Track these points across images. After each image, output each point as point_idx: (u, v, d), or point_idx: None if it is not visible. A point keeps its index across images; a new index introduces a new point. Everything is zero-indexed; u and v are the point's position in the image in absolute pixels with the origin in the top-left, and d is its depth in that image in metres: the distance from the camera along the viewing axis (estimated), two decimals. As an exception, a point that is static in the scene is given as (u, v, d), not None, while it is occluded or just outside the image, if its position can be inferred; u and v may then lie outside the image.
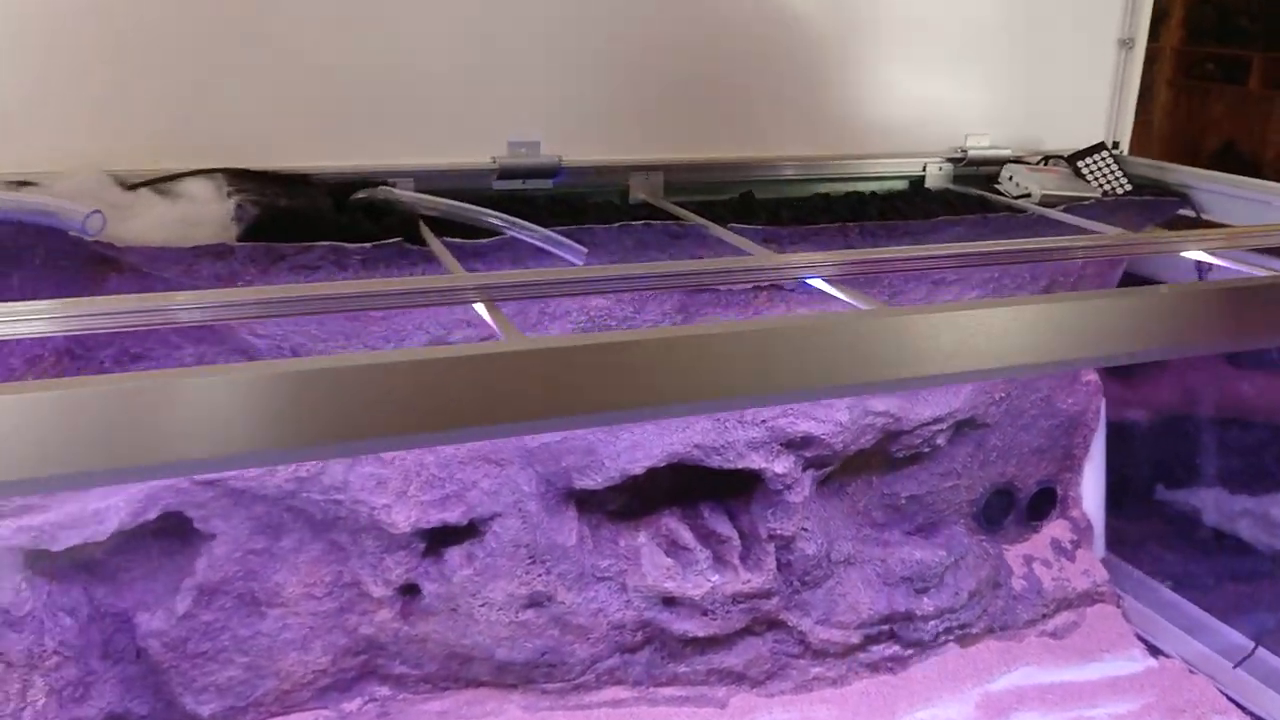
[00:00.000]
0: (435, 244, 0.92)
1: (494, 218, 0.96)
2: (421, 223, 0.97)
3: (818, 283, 0.85)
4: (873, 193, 1.30)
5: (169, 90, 1.00)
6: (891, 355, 0.67)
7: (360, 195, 0.98)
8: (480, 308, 0.75)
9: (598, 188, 1.19)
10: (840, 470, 1.33)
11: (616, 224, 1.00)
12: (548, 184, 1.15)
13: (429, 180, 1.10)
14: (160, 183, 0.99)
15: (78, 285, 0.97)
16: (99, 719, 1.08)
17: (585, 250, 0.95)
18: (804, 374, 0.63)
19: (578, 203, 1.16)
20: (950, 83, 1.33)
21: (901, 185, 1.35)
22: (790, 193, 1.28)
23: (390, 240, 0.91)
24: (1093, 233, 1.09)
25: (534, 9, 1.10)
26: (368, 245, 0.89)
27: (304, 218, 0.88)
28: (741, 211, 1.16)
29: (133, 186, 0.97)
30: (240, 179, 0.98)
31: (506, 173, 1.12)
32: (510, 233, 0.95)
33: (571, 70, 1.14)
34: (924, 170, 1.34)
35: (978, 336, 0.68)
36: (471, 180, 1.13)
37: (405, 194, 0.97)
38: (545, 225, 0.96)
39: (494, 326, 0.72)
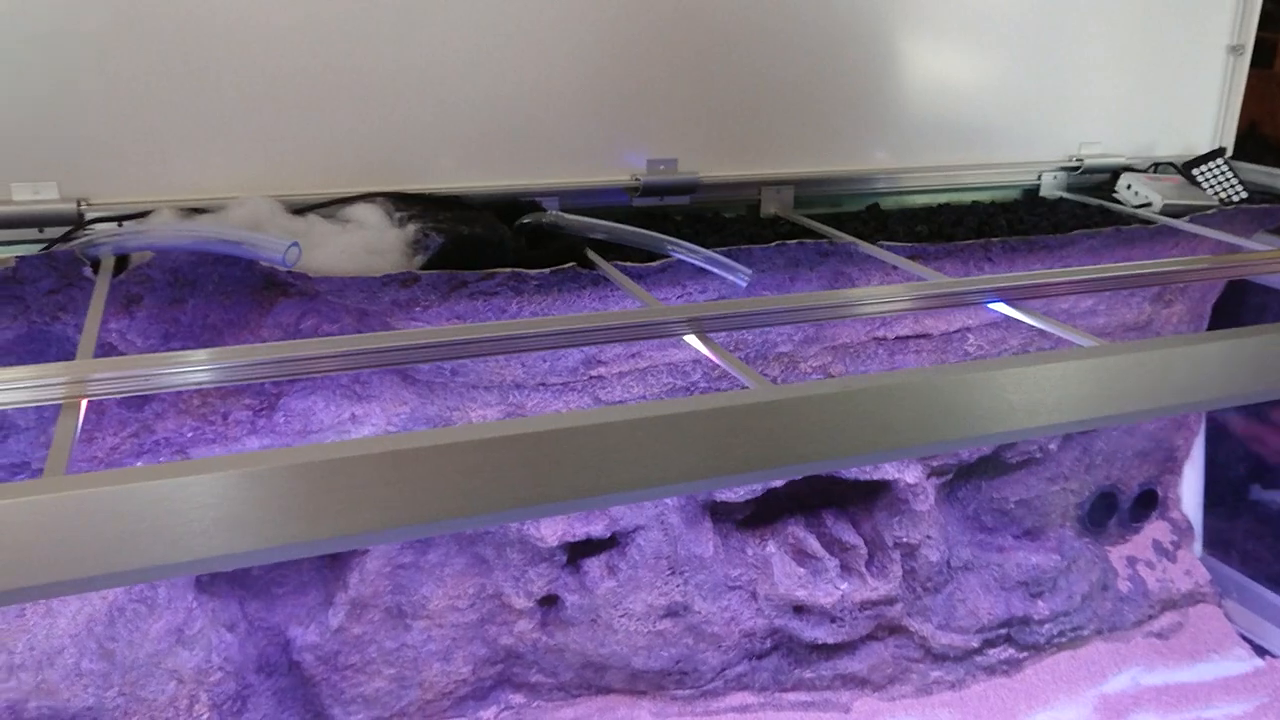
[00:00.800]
0: (607, 268, 0.93)
1: (658, 240, 0.97)
2: (587, 246, 0.98)
3: (1000, 307, 0.86)
4: (993, 202, 1.31)
5: (328, 116, 1.01)
6: (1110, 391, 0.68)
7: (526, 220, 0.99)
8: (692, 339, 0.76)
9: (728, 203, 1.21)
10: (952, 476, 1.35)
11: (773, 243, 1.01)
12: (684, 200, 1.17)
13: (571, 199, 1.12)
14: (326, 207, 1.00)
15: (249, 310, 0.99)
16: (256, 731, 1.11)
17: (749, 272, 0.96)
18: (1049, 410, 0.64)
19: (714, 219, 1.17)
20: (1063, 90, 1.34)
21: (1015, 194, 1.36)
22: (911, 203, 1.30)
23: (565, 265, 0.92)
24: (1232, 244, 1.10)
25: (665, 32, 1.11)
26: (546, 271, 0.91)
27: (486, 245, 0.90)
28: (873, 225, 1.17)
29: (300, 211, 0.99)
30: (404, 203, 0.99)
31: (648, 190, 1.13)
32: (676, 255, 0.96)
33: (702, 88, 1.15)
34: (1039, 179, 1.35)
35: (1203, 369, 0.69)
36: (611, 198, 1.14)
37: (571, 218, 0.98)
38: (686, 241, 0.98)
39: (714, 358, 0.74)
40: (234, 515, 0.49)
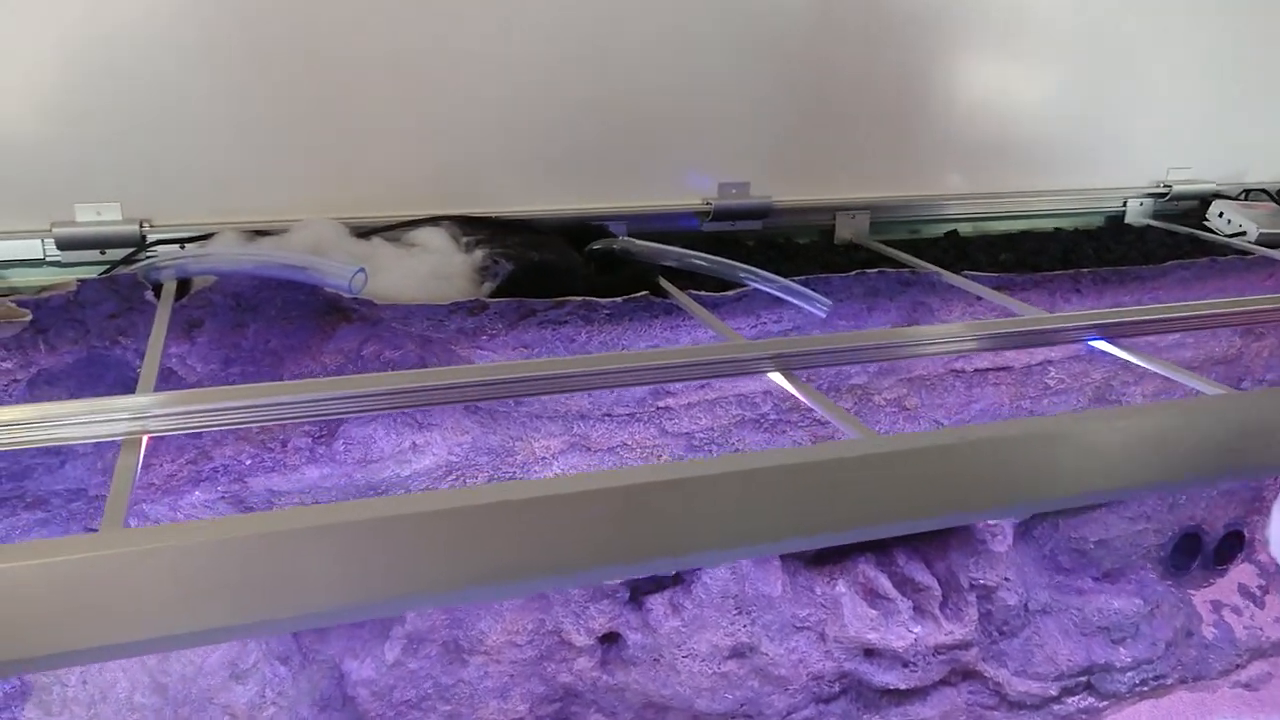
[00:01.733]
0: (682, 298, 0.89)
1: (734, 268, 0.93)
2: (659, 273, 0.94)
3: (1103, 345, 0.81)
4: (1076, 230, 1.26)
5: (393, 138, 0.99)
6: (1252, 443, 0.63)
7: (596, 246, 0.95)
8: (776, 377, 0.72)
9: (800, 228, 1.16)
10: (1030, 515, 1.29)
11: (852, 272, 0.96)
12: (756, 225, 1.12)
13: (639, 223, 1.08)
14: (391, 230, 0.97)
15: (310, 335, 0.96)
16: (308, 767, 1.07)
17: (828, 302, 0.92)
18: (1186, 462, 0.59)
19: (786, 245, 1.13)
20: (1150, 113, 1.28)
21: (1098, 221, 1.30)
22: (990, 229, 1.24)
23: (637, 294, 0.88)
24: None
25: (736, 53, 1.07)
26: (618, 300, 0.87)
27: (556, 272, 0.86)
28: (953, 253, 1.12)
29: (364, 235, 0.96)
30: (471, 227, 0.96)
31: (720, 215, 1.09)
32: (753, 284, 0.92)
33: (774, 110, 1.11)
34: (1124, 206, 1.29)
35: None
36: (680, 223, 1.10)
37: (642, 244, 0.94)
38: (758, 268, 0.93)
39: (802, 398, 0.69)
40: (307, 573, 0.45)
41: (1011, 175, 1.23)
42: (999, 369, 1.20)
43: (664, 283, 0.92)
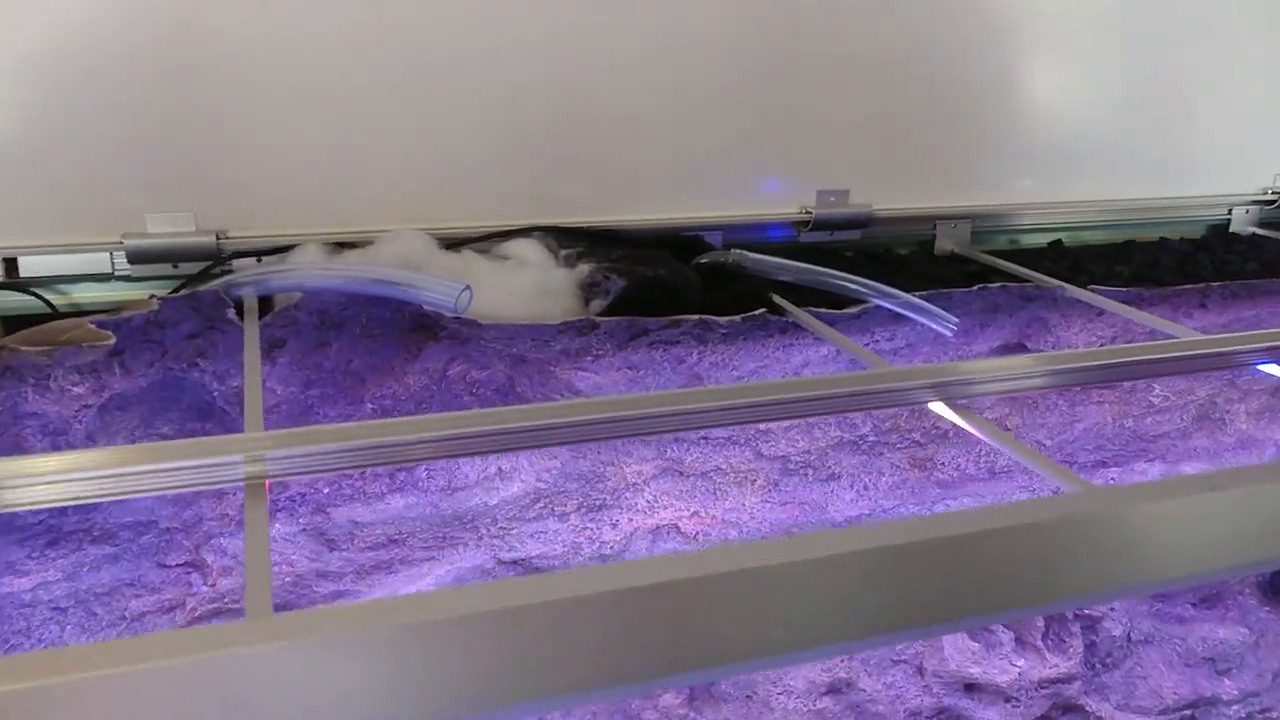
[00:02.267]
0: (804, 317, 0.82)
1: (854, 283, 0.86)
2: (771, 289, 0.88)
3: (1272, 368, 0.74)
4: (1182, 239, 1.19)
5: (478, 146, 0.93)
6: None
7: (703, 259, 0.89)
8: (939, 408, 0.66)
9: (898, 239, 1.10)
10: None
11: (975, 287, 0.90)
12: (855, 235, 1.06)
13: (733, 233, 1.02)
14: (481, 242, 0.91)
15: (394, 354, 0.90)
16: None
17: (956, 321, 0.85)
18: None
19: (886, 256, 1.06)
20: (1256, 118, 1.22)
21: (1200, 230, 1.24)
22: (1090, 239, 1.18)
23: (756, 311, 0.82)
24: None
25: (829, 56, 1.01)
26: (737, 319, 0.81)
27: (671, 289, 0.80)
28: (1064, 264, 1.05)
29: (453, 247, 0.90)
30: (566, 238, 0.90)
31: (820, 224, 1.02)
32: (875, 300, 0.86)
33: (870, 115, 1.04)
34: (1229, 214, 1.23)
35: None
36: (775, 233, 1.04)
37: (756, 257, 0.88)
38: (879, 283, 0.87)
39: (978, 434, 0.63)
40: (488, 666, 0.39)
41: (1115, 183, 1.17)
42: (1103, 386, 1.14)
43: (777, 299, 0.86)
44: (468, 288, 0.73)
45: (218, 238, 0.85)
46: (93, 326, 0.70)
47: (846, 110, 1.04)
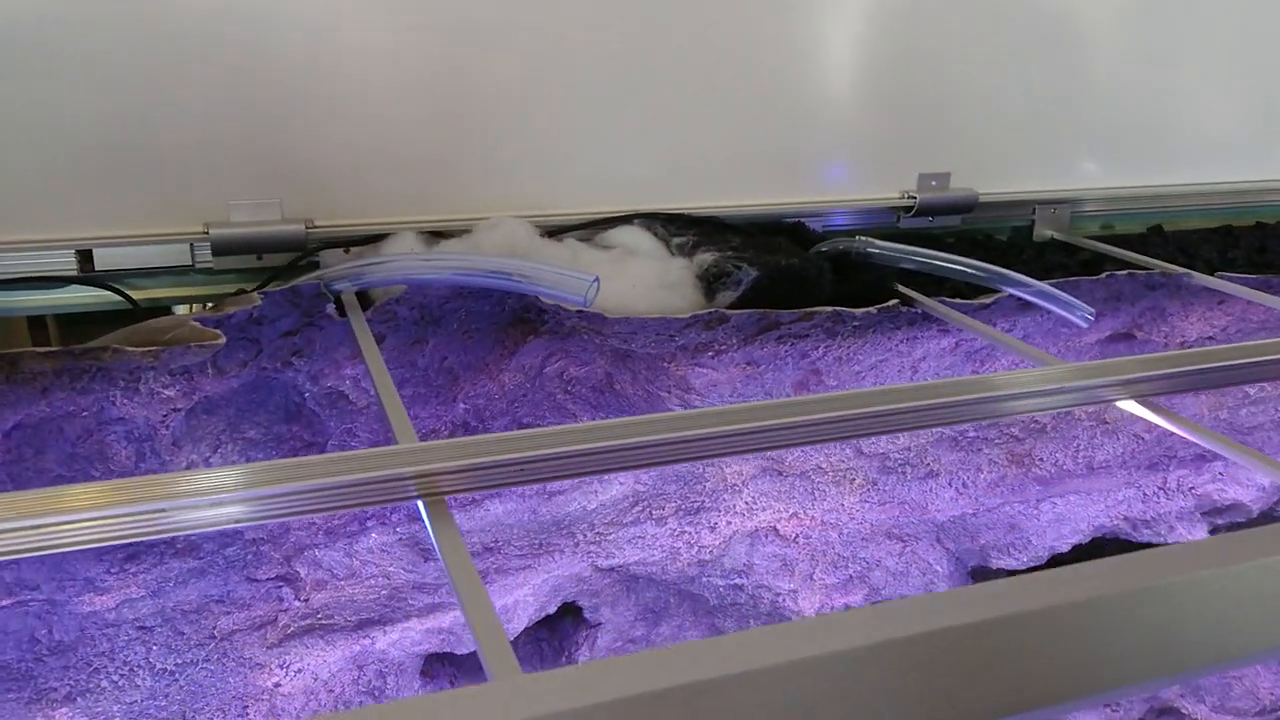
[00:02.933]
0: (939, 308, 0.78)
1: (986, 271, 0.81)
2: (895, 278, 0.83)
3: None
4: (1278, 222, 1.15)
5: (570, 130, 0.87)
6: None
7: (824, 248, 0.84)
8: (1131, 406, 0.61)
9: (996, 224, 1.05)
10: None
11: (1103, 274, 0.85)
12: (955, 221, 1.01)
13: (833, 219, 0.97)
14: (582, 230, 0.85)
15: (490, 350, 0.84)
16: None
17: (1092, 311, 0.80)
18: None
19: (987, 242, 1.02)
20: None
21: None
22: (1185, 224, 1.13)
23: (890, 303, 0.77)
24: None
25: (927, 36, 0.96)
26: (873, 310, 0.75)
27: (804, 279, 0.74)
28: (1172, 249, 1.01)
29: (554, 235, 0.84)
30: (673, 226, 0.84)
31: (924, 209, 0.97)
32: (1008, 289, 0.81)
33: (971, 97, 0.99)
34: (1323, 196, 1.19)
35: None
36: (875, 219, 0.99)
37: (883, 244, 0.83)
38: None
39: (1181, 432, 0.58)
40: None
41: (1210, 167, 1.12)
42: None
43: (904, 289, 0.81)
44: (596, 280, 0.68)
45: (306, 227, 0.79)
46: (197, 324, 0.64)
47: (948, 93, 0.99)
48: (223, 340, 0.63)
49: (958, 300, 0.80)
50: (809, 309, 0.74)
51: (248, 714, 0.77)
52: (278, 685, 0.78)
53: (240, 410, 0.78)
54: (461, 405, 0.87)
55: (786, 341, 0.78)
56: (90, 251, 0.76)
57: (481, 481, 0.48)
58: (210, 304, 0.73)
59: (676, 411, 0.53)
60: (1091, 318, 0.80)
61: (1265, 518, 1.12)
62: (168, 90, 0.75)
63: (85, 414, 0.70)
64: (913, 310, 0.79)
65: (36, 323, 0.89)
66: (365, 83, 0.80)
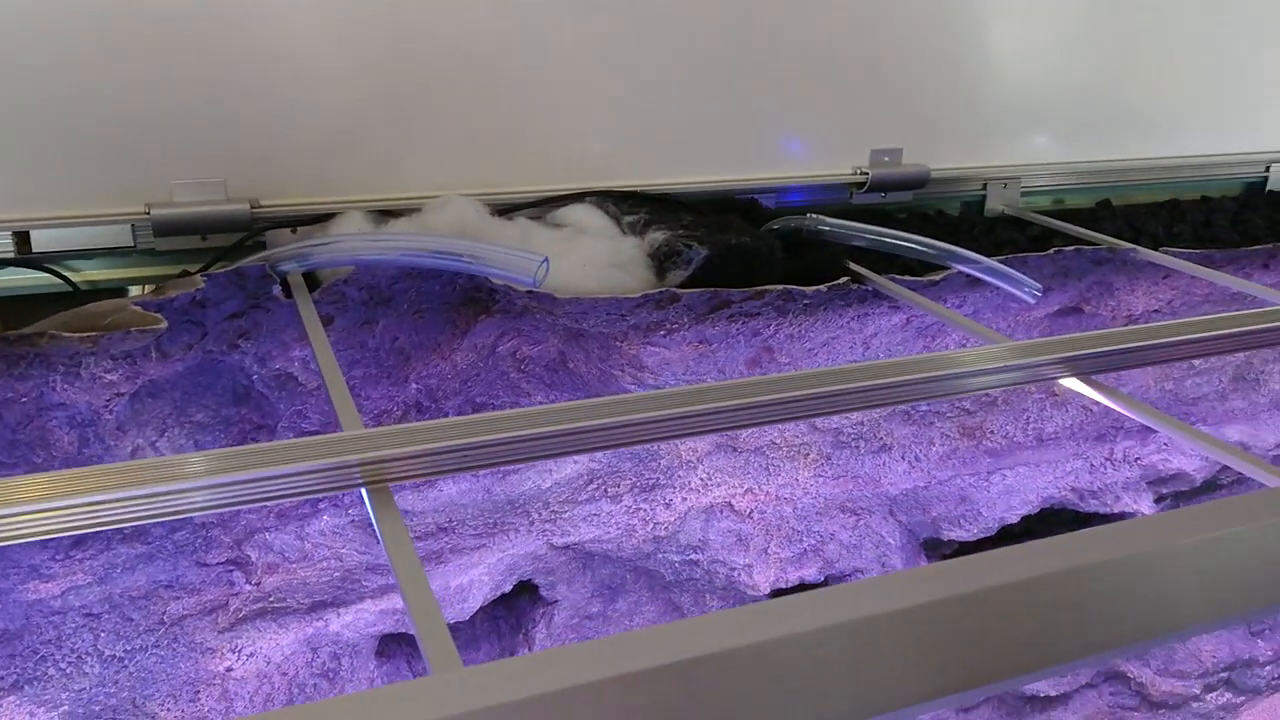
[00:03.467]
0: (889, 285, 0.78)
1: (935, 248, 0.82)
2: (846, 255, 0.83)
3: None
4: (1224, 197, 1.17)
5: (519, 105, 0.86)
6: None
7: (775, 226, 0.84)
8: (1073, 383, 0.62)
9: (947, 199, 1.06)
10: (1168, 503, 1.21)
11: (1051, 250, 0.86)
12: (907, 196, 1.02)
13: (785, 195, 0.97)
14: (534, 208, 0.85)
15: (442, 330, 0.84)
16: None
17: (1039, 287, 0.81)
18: None
19: (938, 218, 1.02)
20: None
21: (1237, 188, 1.21)
22: (1133, 199, 1.15)
23: (840, 280, 0.77)
24: None
25: (890, 13, 0.96)
26: (823, 288, 0.76)
27: (755, 257, 0.74)
28: (1120, 223, 1.02)
29: (505, 214, 0.84)
30: (625, 204, 0.84)
31: (877, 185, 0.98)
32: (957, 266, 0.81)
33: (920, 71, 1.00)
34: (1267, 171, 1.21)
35: None
36: (827, 195, 0.99)
37: (834, 222, 0.83)
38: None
39: (1122, 410, 0.59)
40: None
41: (1158, 142, 1.14)
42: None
43: (855, 266, 0.81)
44: (546, 260, 0.67)
45: (252, 206, 0.78)
46: (138, 309, 0.63)
47: (899, 67, 0.99)
48: (164, 325, 0.62)
49: (908, 277, 0.80)
50: (760, 288, 0.74)
51: (199, 699, 0.77)
52: (230, 670, 0.78)
53: (186, 394, 0.76)
54: (414, 385, 0.86)
55: (738, 320, 0.78)
56: (28, 233, 0.74)
57: (427, 468, 0.48)
58: (152, 286, 0.71)
59: (615, 396, 0.52)
60: (1039, 294, 0.81)
61: (1208, 486, 1.14)
62: (108, 67, 0.73)
63: (25, 400, 0.68)
64: (864, 288, 0.80)
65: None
66: (310, 59, 0.79)
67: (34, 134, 0.72)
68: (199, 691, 0.77)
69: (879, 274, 0.80)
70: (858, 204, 0.99)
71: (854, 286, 0.79)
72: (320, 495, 0.49)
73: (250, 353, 0.76)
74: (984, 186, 1.04)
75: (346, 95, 0.80)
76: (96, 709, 0.74)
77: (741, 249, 0.74)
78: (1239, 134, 1.18)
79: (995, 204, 1.05)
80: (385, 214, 0.81)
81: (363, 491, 0.47)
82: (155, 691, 0.76)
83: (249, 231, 0.78)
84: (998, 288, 0.82)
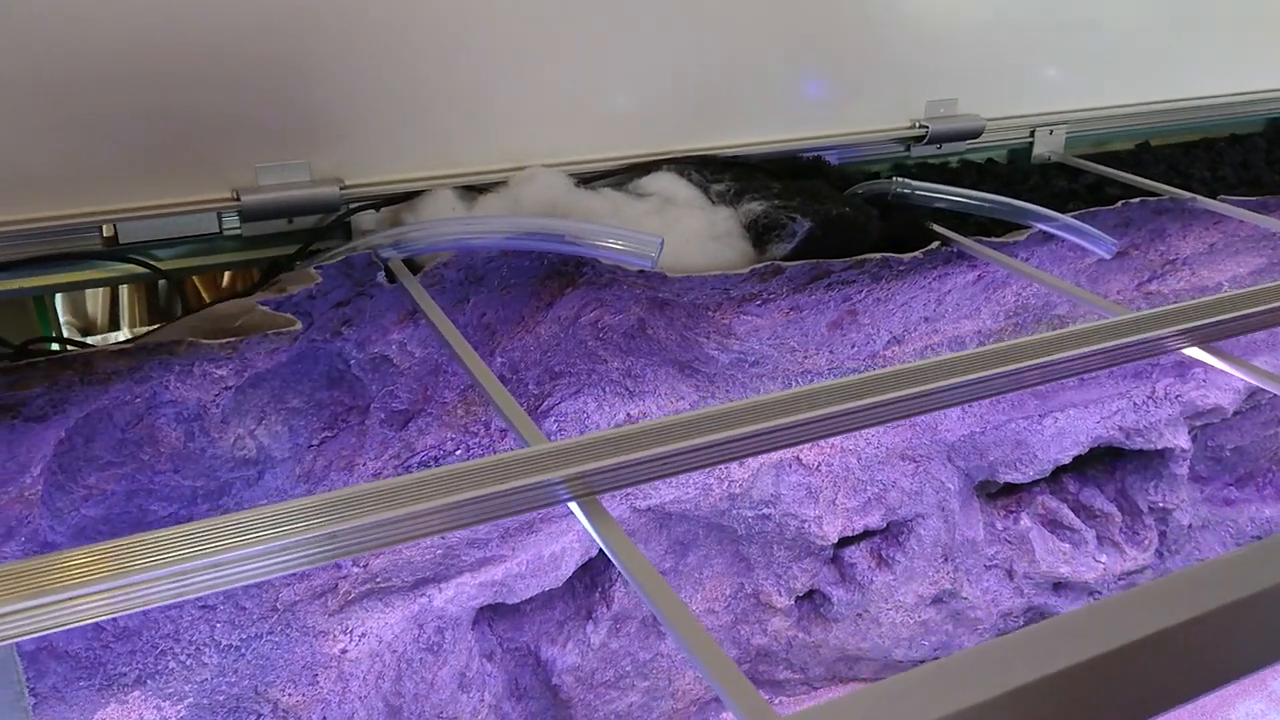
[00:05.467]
0: (978, 248, 0.79)
1: (1013, 207, 0.83)
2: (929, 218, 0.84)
3: None
4: (1251, 134, 1.19)
5: (589, 71, 0.85)
6: None
7: (859, 190, 0.84)
8: (1197, 352, 0.64)
9: (993, 147, 1.06)
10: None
11: (1118, 203, 0.88)
12: (962, 148, 1.02)
13: (845, 152, 0.97)
14: (614, 177, 0.84)
15: (526, 304, 0.83)
16: (512, 763, 0.99)
17: (1114, 242, 0.83)
18: None
19: (989, 167, 1.03)
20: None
21: (1259, 126, 1.24)
22: (1163, 139, 1.17)
23: (933, 245, 0.78)
24: None
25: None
26: (919, 254, 0.77)
27: (854, 227, 0.75)
28: (1163, 167, 1.04)
29: (585, 183, 0.83)
30: (708, 171, 0.84)
31: (936, 137, 0.98)
32: (1036, 224, 0.83)
33: (964, 24, 0.99)
34: (1289, 105, 1.23)
35: None
36: (885, 149, 0.99)
37: (919, 184, 0.84)
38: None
39: (1246, 377, 0.61)
40: None
41: (1188, 82, 1.15)
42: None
43: (939, 228, 0.82)
44: (661, 241, 0.67)
45: (340, 188, 0.76)
46: (266, 309, 0.62)
47: (938, 17, 0.98)
48: (298, 326, 0.62)
49: (993, 239, 0.81)
50: (860, 257, 0.75)
51: (318, 682, 0.78)
52: (344, 651, 0.79)
53: (285, 381, 0.76)
54: (499, 359, 0.86)
55: (835, 288, 0.79)
56: (115, 225, 0.72)
57: (630, 478, 0.49)
58: (273, 282, 0.70)
59: (798, 390, 0.53)
60: (1115, 248, 0.83)
61: (1237, 416, 1.19)
62: (183, 51, 0.70)
63: (138, 399, 0.67)
64: (949, 249, 0.81)
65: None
66: (385, 32, 0.76)
67: (115, 126, 0.70)
68: (316, 675, 0.78)
69: (958, 233, 0.81)
70: (915, 156, 1.00)
71: (942, 249, 0.80)
72: (527, 513, 0.49)
73: (351, 339, 0.75)
74: (1031, 134, 1.05)
75: (422, 68, 0.78)
76: (220, 698, 0.75)
77: (843, 219, 0.74)
78: (1264, 71, 1.20)
79: (1042, 150, 1.06)
80: (470, 189, 0.80)
81: (572, 506, 0.48)
82: (275, 677, 0.76)
83: (338, 213, 0.77)
84: (1061, 239, 0.84)
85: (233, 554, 0.41)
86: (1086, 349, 0.62)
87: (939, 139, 0.98)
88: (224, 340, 0.60)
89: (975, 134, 1.00)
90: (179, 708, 0.73)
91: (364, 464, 0.83)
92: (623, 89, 0.87)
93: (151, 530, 0.41)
